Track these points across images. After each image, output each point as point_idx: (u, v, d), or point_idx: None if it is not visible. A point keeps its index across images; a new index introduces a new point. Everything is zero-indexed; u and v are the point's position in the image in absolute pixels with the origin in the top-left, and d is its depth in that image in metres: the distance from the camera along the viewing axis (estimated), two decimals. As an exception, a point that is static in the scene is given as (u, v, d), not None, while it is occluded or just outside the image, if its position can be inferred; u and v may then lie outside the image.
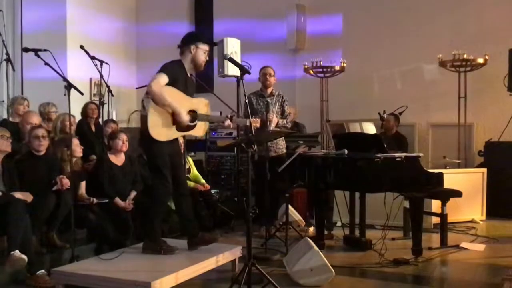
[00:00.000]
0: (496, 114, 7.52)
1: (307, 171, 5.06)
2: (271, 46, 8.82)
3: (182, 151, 5.00)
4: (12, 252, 3.80)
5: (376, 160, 4.54)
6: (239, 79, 4.12)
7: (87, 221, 4.85)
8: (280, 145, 5.86)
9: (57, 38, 7.98)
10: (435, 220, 5.75)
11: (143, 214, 4.93)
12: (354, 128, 5.37)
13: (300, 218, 6.01)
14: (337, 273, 4.00)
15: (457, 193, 5.37)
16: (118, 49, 9.39)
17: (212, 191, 6.54)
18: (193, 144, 7.66)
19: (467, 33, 7.74)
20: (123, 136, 5.37)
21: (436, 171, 5.03)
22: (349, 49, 8.55)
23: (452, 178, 5.71)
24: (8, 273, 3.92)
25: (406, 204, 5.21)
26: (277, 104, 5.88)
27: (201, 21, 10.04)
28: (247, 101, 4.11)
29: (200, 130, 4.32)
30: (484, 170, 6.64)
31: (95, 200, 4.98)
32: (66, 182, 4.63)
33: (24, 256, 3.78)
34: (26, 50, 4.21)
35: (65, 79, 4.19)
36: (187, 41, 4.23)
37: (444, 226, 5.23)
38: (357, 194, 5.28)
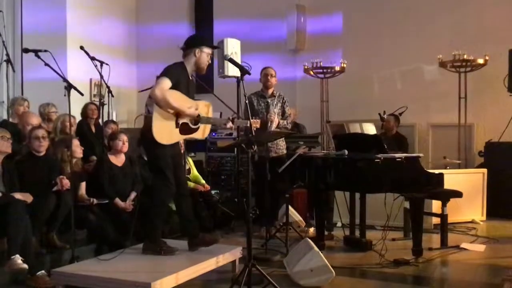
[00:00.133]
0: (496, 114, 7.51)
1: (307, 171, 5.06)
2: (271, 47, 8.83)
3: (182, 151, 5.01)
4: (13, 257, 3.79)
5: (376, 160, 4.54)
6: (239, 80, 4.12)
7: (87, 222, 4.85)
8: (281, 146, 5.86)
9: (57, 39, 7.98)
10: (436, 220, 5.74)
11: (143, 214, 4.93)
12: (354, 128, 5.37)
13: (300, 218, 6.01)
14: (337, 274, 4.00)
15: (457, 194, 5.37)
16: (118, 49, 9.40)
17: (212, 192, 6.54)
18: (193, 145, 7.65)
19: (467, 34, 7.74)
20: (123, 137, 5.37)
21: (436, 171, 5.03)
22: (349, 50, 8.56)
23: (452, 179, 5.71)
24: (8, 274, 3.91)
25: (406, 204, 5.21)
26: (278, 105, 5.87)
27: (201, 21, 10.05)
28: (247, 101, 4.12)
29: (202, 132, 4.32)
30: (484, 170, 6.63)
31: (95, 201, 4.98)
32: (66, 183, 4.63)
33: (24, 266, 3.78)
34: (26, 50, 4.20)
35: (65, 80, 4.19)
36: (191, 44, 4.23)
37: (444, 227, 5.23)
38: (357, 195, 5.28)
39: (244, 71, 4.02)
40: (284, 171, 5.13)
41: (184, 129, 4.16)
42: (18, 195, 4.27)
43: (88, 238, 5.17)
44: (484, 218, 6.54)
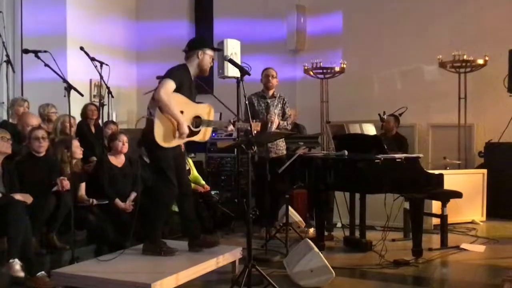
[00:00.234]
0: (496, 115, 7.51)
1: (307, 172, 5.06)
2: (271, 47, 8.83)
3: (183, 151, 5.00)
4: (11, 261, 3.80)
5: (376, 161, 4.54)
6: (239, 80, 4.13)
7: (87, 223, 4.85)
8: (280, 147, 5.86)
9: (57, 40, 7.97)
10: (435, 221, 5.74)
11: (143, 215, 4.93)
12: (354, 129, 5.37)
13: (300, 219, 6.01)
14: (337, 274, 4.00)
15: (457, 194, 5.36)
16: (118, 50, 9.40)
17: (212, 192, 6.54)
18: (193, 145, 7.64)
19: (467, 34, 7.74)
20: (123, 138, 5.37)
21: (436, 172, 5.03)
22: (349, 50, 8.56)
23: (452, 179, 5.70)
24: (7, 275, 3.91)
25: (406, 205, 5.21)
26: (278, 106, 5.87)
27: (201, 22, 10.05)
28: (247, 102, 4.12)
29: (203, 135, 4.33)
30: (484, 171, 6.63)
31: (94, 202, 4.98)
32: (66, 184, 4.63)
33: (21, 274, 3.78)
34: (26, 51, 4.20)
35: (65, 81, 4.18)
36: (194, 46, 4.23)
37: (444, 227, 5.22)
38: (357, 195, 5.28)
39: (243, 71, 4.02)
40: (284, 172, 5.14)
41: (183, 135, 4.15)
42: (18, 196, 4.27)
43: (88, 239, 5.16)
44: (484, 218, 6.54)
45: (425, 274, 4.37)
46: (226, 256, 4.17)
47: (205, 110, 4.30)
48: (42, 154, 4.85)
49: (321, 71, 8.10)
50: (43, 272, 3.88)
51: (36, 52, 4.13)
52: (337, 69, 8.06)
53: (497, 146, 7.12)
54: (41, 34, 7.95)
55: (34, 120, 5.44)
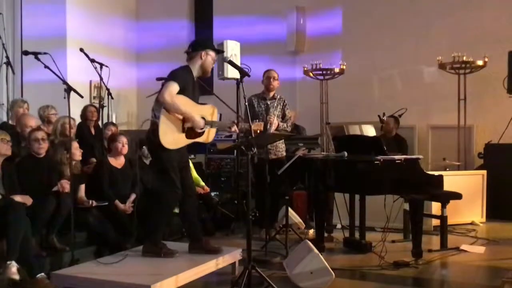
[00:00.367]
0: (496, 116, 7.51)
1: (307, 173, 5.06)
2: (271, 48, 8.84)
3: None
4: (9, 263, 3.80)
5: (376, 162, 4.54)
6: (239, 82, 4.13)
7: (87, 224, 4.84)
8: (280, 148, 5.86)
9: (56, 41, 7.99)
10: (435, 222, 5.73)
11: (143, 216, 4.93)
12: (354, 130, 5.38)
13: (300, 220, 6.00)
14: (337, 276, 4.00)
15: (456, 196, 5.36)
16: (118, 51, 9.41)
17: (212, 194, 6.54)
18: (193, 147, 7.64)
19: (467, 35, 7.74)
20: (123, 139, 5.37)
21: (436, 173, 5.04)
22: (348, 51, 8.57)
23: (452, 180, 5.71)
24: (7, 279, 3.91)
25: (406, 206, 5.21)
26: (278, 107, 5.87)
27: (201, 24, 10.06)
28: (247, 103, 4.12)
29: (206, 136, 4.33)
30: (484, 172, 6.63)
31: (94, 203, 4.98)
32: (66, 186, 4.63)
33: (16, 277, 3.77)
34: (26, 53, 4.20)
35: (64, 82, 4.18)
36: (197, 47, 4.23)
37: (444, 228, 5.22)
38: (357, 197, 5.28)
39: (243, 73, 4.02)
40: (284, 173, 5.13)
41: (190, 133, 4.16)
42: (17, 198, 4.26)
43: (88, 240, 5.16)
44: (483, 219, 6.54)
45: (425, 275, 4.37)
46: (226, 258, 4.17)
47: (209, 111, 4.30)
48: (42, 156, 4.85)
49: (320, 72, 8.11)
50: (43, 273, 3.88)
51: (36, 54, 4.14)
52: (336, 70, 8.06)
53: (496, 147, 7.12)
54: (41, 36, 7.96)
55: (32, 121, 5.43)
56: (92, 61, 5.44)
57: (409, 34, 8.21)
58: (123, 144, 5.34)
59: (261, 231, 5.56)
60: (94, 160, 5.78)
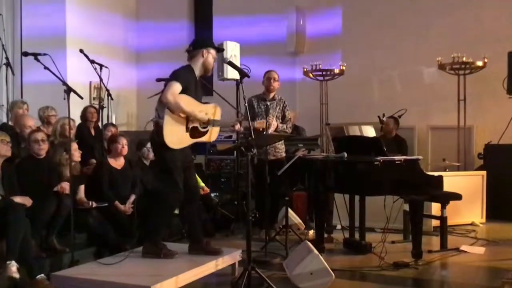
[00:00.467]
0: (496, 116, 7.51)
1: (307, 174, 5.06)
2: (271, 48, 8.83)
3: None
4: (8, 263, 3.80)
5: (375, 163, 4.54)
6: (238, 83, 4.13)
7: (87, 225, 4.84)
8: (280, 149, 5.86)
9: (56, 42, 7.98)
10: (435, 223, 5.73)
11: (143, 217, 4.93)
12: (354, 131, 5.37)
13: (300, 221, 6.01)
14: (337, 277, 4.00)
15: (456, 196, 5.36)
16: (118, 51, 9.41)
17: (212, 195, 6.53)
18: (193, 147, 7.64)
19: (466, 35, 7.75)
20: (123, 140, 5.37)
21: (435, 174, 5.04)
22: (348, 52, 8.57)
23: (451, 181, 5.71)
24: (7, 277, 3.91)
25: (406, 207, 5.21)
26: (278, 108, 5.87)
27: (201, 24, 10.06)
28: (246, 104, 4.12)
29: (209, 135, 4.33)
30: (484, 172, 6.64)
31: (94, 204, 4.98)
32: (66, 188, 4.63)
33: (16, 276, 3.77)
34: (25, 54, 4.20)
35: (64, 83, 4.18)
36: (198, 45, 4.23)
37: (444, 229, 5.22)
38: (357, 197, 5.28)
39: (243, 74, 4.02)
40: (284, 174, 5.13)
41: (194, 133, 4.16)
42: (17, 199, 4.26)
43: (88, 241, 5.16)
44: (483, 220, 6.54)
45: (425, 276, 4.37)
46: (226, 259, 4.16)
47: (212, 110, 4.29)
48: (42, 157, 4.85)
49: (320, 73, 8.11)
50: (42, 275, 3.87)
51: (35, 55, 4.13)
52: (336, 71, 8.07)
53: (496, 147, 7.12)
54: (40, 36, 7.95)
55: (31, 122, 5.43)
56: (92, 62, 5.44)
57: (409, 34, 8.22)
58: (123, 145, 5.34)
59: (261, 232, 5.56)
60: (94, 161, 5.78)
